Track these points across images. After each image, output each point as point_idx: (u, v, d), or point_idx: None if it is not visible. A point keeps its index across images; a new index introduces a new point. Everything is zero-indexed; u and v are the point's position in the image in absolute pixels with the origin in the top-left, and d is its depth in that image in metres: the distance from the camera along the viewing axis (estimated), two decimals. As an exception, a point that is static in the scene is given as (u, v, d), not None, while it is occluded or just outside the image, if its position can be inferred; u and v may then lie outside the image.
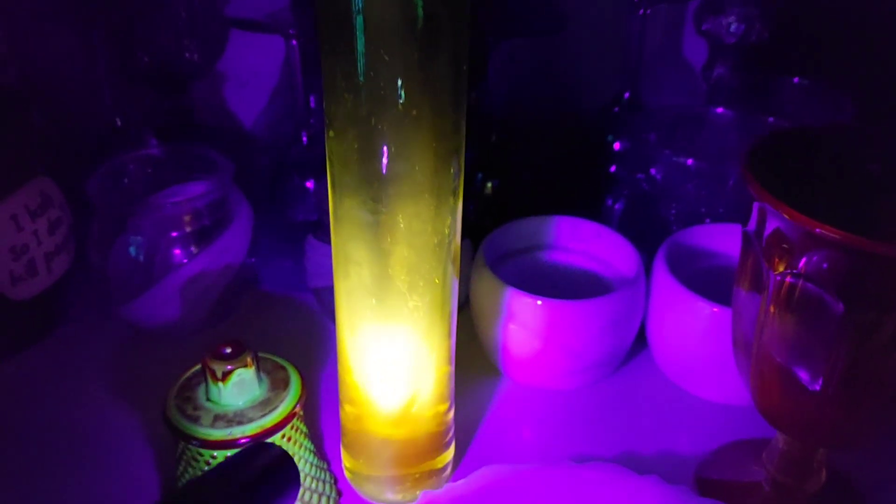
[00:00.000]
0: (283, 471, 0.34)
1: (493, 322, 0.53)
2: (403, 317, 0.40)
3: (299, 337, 0.59)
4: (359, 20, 0.33)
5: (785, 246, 0.35)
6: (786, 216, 0.33)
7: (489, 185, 0.64)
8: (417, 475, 0.46)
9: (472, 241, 0.58)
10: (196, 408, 0.40)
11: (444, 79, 0.35)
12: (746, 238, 0.38)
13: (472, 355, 0.56)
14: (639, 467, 0.49)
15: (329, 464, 0.48)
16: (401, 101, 0.35)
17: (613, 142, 0.65)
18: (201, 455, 0.40)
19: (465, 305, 0.56)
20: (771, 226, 0.36)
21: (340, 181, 0.38)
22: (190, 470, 0.41)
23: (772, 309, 0.37)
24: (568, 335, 0.51)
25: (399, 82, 0.34)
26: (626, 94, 0.66)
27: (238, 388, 0.40)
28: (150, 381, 0.54)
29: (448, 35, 0.34)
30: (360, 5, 0.33)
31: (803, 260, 0.34)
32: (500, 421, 0.53)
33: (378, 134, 0.35)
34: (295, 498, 0.34)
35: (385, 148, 0.36)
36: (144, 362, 0.57)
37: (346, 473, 0.48)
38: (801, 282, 0.35)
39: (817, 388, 0.37)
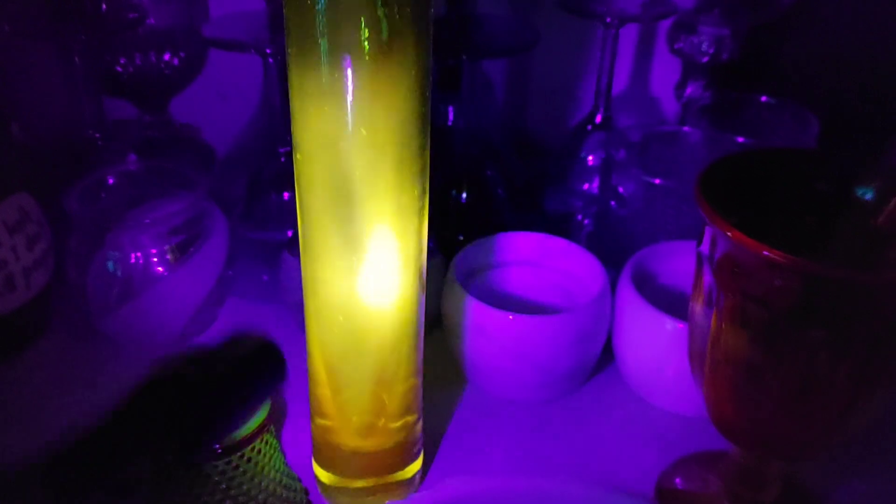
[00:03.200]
0: (267, 359, 0.32)
1: (464, 336, 0.54)
2: (370, 333, 0.41)
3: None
4: (323, 43, 0.34)
5: (735, 268, 0.36)
6: (734, 240, 0.35)
7: (462, 201, 0.65)
8: (387, 485, 0.47)
9: (445, 256, 0.59)
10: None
11: (409, 102, 0.36)
12: (699, 258, 0.39)
13: (443, 368, 0.57)
14: (603, 477, 0.50)
15: (301, 475, 0.49)
16: (365, 125, 0.36)
17: (584, 159, 0.67)
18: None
19: (439, 320, 0.57)
20: (721, 248, 0.37)
21: (307, 202, 0.39)
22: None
23: (723, 326, 0.38)
24: (536, 349, 0.52)
25: (364, 106, 0.35)
26: (598, 113, 0.67)
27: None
28: (124, 393, 0.55)
29: (411, 58, 0.35)
30: (324, 29, 0.34)
31: (752, 281, 0.36)
32: (470, 432, 0.54)
33: (344, 157, 0.37)
34: (279, 384, 0.32)
35: (351, 171, 0.37)
36: (121, 375, 0.57)
37: (318, 485, 0.49)
38: (750, 302, 0.36)
39: (768, 402, 0.38)
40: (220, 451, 0.40)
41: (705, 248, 0.38)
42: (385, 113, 0.36)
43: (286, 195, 0.64)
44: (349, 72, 0.35)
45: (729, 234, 0.35)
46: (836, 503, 0.49)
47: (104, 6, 0.66)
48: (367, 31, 0.34)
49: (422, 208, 0.40)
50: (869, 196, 0.41)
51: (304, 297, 0.42)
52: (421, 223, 0.40)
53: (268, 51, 0.59)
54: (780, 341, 0.36)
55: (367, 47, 0.34)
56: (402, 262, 0.40)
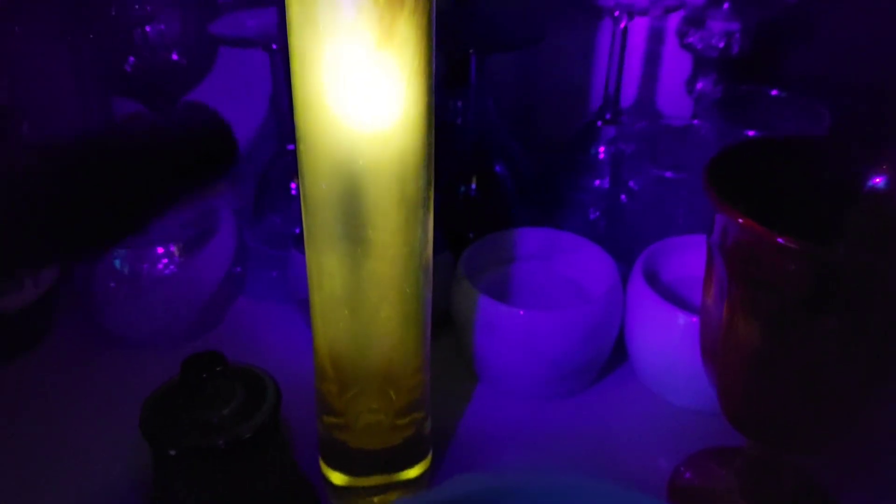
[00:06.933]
0: (214, 136, 0.27)
1: (473, 333, 0.53)
2: (376, 327, 0.41)
3: (283, 347, 0.60)
4: (324, 32, 0.34)
5: (745, 255, 0.36)
6: (744, 227, 0.34)
7: (472, 197, 0.65)
8: (395, 483, 0.47)
9: (454, 252, 0.58)
10: (173, 417, 0.41)
11: (412, 95, 0.36)
12: (710, 248, 0.39)
13: (453, 366, 0.56)
14: (616, 474, 0.50)
15: (309, 474, 0.49)
16: (369, 116, 0.35)
17: (595, 154, 0.66)
18: (177, 464, 0.40)
19: (448, 317, 0.56)
20: (732, 236, 0.36)
21: (311, 194, 0.38)
22: (166, 479, 0.41)
23: (734, 316, 0.37)
24: (547, 344, 0.52)
25: (367, 97, 0.35)
26: (608, 107, 0.66)
27: (214, 397, 0.41)
28: (133, 392, 0.55)
29: (413, 53, 0.35)
30: (326, 17, 0.34)
31: (763, 269, 0.35)
32: (481, 429, 0.54)
33: (347, 147, 0.36)
34: (227, 170, 0.28)
35: (354, 161, 0.36)
36: (129, 373, 0.57)
37: (325, 485, 0.48)
38: (761, 291, 0.35)
39: (780, 393, 0.37)
40: (223, 446, 0.40)
41: (716, 237, 0.38)
42: (388, 103, 0.35)
43: (295, 192, 0.63)
44: (351, 62, 0.34)
45: (739, 221, 0.34)
46: (852, 502, 0.48)
47: (113, 6, 0.66)
48: (369, 19, 0.33)
49: (427, 199, 0.39)
50: (879, 184, 0.40)
51: (310, 292, 0.42)
52: (426, 215, 0.39)
53: (274, 46, 0.59)
54: (792, 330, 0.36)
55: (369, 36, 0.34)
56: (407, 254, 0.39)
